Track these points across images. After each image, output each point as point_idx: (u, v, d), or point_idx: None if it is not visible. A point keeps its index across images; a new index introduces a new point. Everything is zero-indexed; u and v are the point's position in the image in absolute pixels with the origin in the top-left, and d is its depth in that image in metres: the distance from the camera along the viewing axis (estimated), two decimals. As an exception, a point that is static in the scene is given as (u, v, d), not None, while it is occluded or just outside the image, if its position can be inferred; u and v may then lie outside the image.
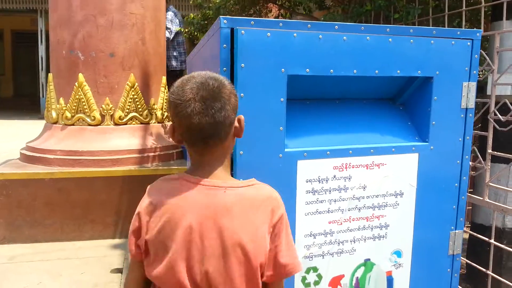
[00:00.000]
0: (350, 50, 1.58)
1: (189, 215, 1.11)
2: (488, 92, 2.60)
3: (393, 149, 1.74)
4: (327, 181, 1.59)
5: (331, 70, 1.57)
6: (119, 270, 3.33)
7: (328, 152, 1.59)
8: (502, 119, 2.37)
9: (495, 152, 2.46)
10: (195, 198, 1.12)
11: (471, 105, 1.90)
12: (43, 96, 13.14)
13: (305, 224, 1.57)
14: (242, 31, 1.42)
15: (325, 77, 1.58)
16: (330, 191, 1.60)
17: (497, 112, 2.41)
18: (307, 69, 1.53)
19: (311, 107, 1.65)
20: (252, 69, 1.46)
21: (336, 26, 1.58)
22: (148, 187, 1.23)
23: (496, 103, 2.44)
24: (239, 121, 1.18)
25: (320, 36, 1.53)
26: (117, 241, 3.98)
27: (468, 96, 1.89)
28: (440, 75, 1.79)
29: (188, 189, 1.14)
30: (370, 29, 1.64)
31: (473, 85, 1.89)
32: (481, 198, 2.51)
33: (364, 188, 1.67)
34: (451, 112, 1.86)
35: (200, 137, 1.12)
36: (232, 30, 1.48)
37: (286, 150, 1.52)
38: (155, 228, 1.12)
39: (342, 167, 1.61)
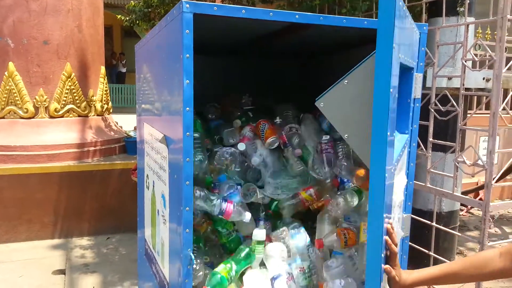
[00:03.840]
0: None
1: None
2: (428, 85, 2.76)
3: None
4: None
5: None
6: (61, 271, 3.15)
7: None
8: (442, 109, 2.53)
9: (437, 141, 2.62)
10: None
11: (418, 95, 2.00)
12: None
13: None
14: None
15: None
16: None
17: (438, 103, 2.57)
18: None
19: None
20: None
21: (321, 17, 1.53)
22: None
23: (436, 95, 2.60)
24: None
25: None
26: (56, 241, 3.75)
27: (416, 87, 1.99)
28: (396, 66, 1.85)
29: None
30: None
31: (420, 76, 1.98)
32: (424, 184, 2.67)
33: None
34: (401, 102, 1.94)
35: None
36: (194, 14, 1.43)
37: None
38: None
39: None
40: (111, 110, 4.96)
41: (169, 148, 1.72)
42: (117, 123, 5.15)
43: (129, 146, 4.44)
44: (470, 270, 1.16)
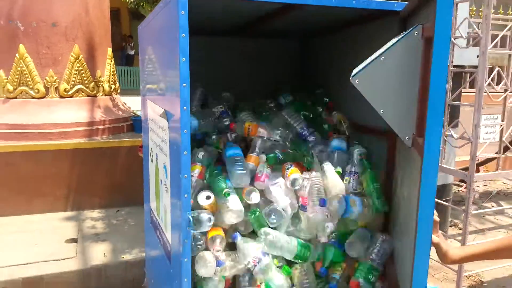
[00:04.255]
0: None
1: None
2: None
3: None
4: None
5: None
6: (73, 240, 3.36)
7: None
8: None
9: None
10: None
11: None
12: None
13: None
14: None
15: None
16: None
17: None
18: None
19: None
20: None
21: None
22: None
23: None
24: None
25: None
26: (69, 213, 3.96)
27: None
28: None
29: None
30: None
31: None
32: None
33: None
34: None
35: None
36: (189, -3, 1.54)
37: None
38: None
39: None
40: (118, 91, 5.12)
41: (169, 121, 1.86)
42: (125, 104, 5.31)
43: (136, 124, 4.60)
44: None
